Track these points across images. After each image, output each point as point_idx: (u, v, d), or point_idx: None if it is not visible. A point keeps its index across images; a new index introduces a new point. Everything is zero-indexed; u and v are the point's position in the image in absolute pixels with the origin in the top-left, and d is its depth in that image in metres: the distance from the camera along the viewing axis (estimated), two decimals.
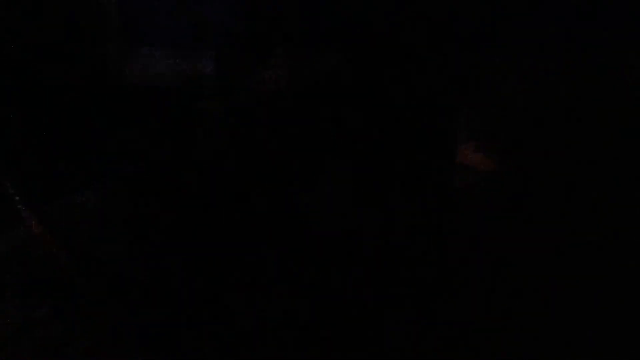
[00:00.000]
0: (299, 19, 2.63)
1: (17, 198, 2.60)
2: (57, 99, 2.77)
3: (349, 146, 2.63)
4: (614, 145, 2.59)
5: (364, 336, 2.50)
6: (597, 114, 2.60)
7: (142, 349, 2.47)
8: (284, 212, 2.62)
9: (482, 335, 2.49)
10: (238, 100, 2.67)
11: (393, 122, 2.63)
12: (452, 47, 2.62)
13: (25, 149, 2.73)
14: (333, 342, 2.49)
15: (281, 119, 2.65)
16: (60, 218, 2.66)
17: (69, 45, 2.73)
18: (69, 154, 2.79)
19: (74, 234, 2.61)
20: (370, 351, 2.47)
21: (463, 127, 2.64)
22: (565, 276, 2.54)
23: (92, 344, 2.46)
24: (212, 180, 2.67)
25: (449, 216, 2.60)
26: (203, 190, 2.68)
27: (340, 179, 2.63)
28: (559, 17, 2.62)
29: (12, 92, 2.71)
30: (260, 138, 2.63)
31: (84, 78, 2.78)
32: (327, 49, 2.63)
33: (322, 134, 2.63)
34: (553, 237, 2.57)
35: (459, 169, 2.62)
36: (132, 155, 2.75)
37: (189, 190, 2.68)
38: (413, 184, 2.61)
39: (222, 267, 2.58)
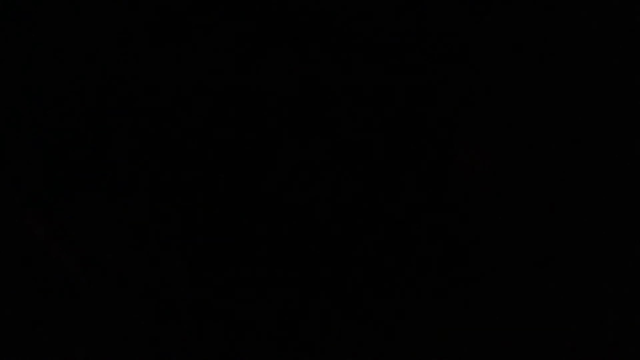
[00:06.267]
0: None
1: (18, 198, 2.62)
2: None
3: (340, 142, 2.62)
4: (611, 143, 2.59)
5: (357, 335, 2.51)
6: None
7: (144, 350, 2.49)
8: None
9: (479, 334, 2.50)
10: None
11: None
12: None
13: (29, 150, 2.74)
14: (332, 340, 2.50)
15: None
16: (63, 219, 2.67)
17: None
18: (74, 155, 2.79)
19: (78, 236, 2.62)
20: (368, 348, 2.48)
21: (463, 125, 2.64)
22: (564, 275, 2.55)
23: (93, 345, 2.48)
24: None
25: (447, 214, 2.60)
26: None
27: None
28: None
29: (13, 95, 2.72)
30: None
31: None
32: None
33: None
34: (552, 236, 2.57)
35: (458, 169, 2.62)
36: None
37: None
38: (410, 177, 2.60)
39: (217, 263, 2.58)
